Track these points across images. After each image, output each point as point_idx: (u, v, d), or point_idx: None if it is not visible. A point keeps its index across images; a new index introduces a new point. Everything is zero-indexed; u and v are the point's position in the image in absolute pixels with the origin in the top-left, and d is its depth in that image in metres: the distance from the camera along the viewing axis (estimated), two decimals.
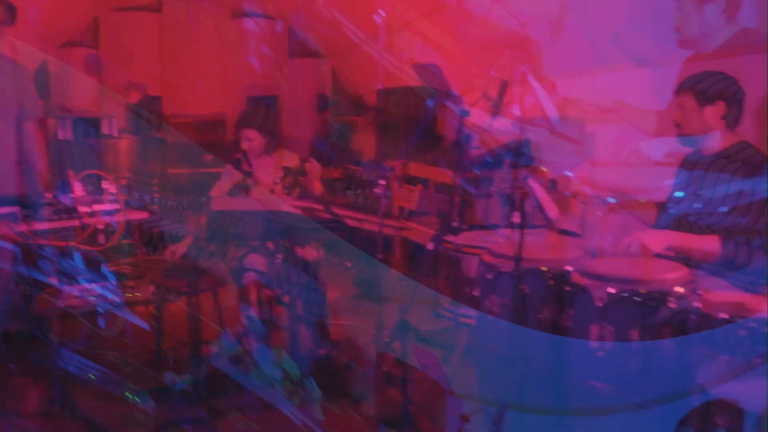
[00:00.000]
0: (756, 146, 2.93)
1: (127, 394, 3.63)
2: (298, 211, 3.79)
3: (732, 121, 2.98)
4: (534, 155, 4.89)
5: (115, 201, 3.66)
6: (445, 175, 5.22)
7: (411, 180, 5.78)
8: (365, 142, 6.39)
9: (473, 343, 3.46)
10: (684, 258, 2.88)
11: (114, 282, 3.78)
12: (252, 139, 4.28)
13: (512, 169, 2.78)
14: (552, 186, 4.35)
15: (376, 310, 4.09)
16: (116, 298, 3.83)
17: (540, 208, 2.69)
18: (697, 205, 2.93)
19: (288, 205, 3.81)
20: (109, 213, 3.64)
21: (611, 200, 3.11)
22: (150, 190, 6.24)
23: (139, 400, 3.59)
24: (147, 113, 6.23)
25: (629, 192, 3.19)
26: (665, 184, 3.09)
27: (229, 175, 4.34)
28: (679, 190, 3.12)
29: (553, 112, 3.42)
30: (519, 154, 4.84)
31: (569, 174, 3.51)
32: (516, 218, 2.63)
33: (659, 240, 2.93)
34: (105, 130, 6.10)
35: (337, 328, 4.66)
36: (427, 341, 4.44)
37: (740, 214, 2.79)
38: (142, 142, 6.16)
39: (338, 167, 5.92)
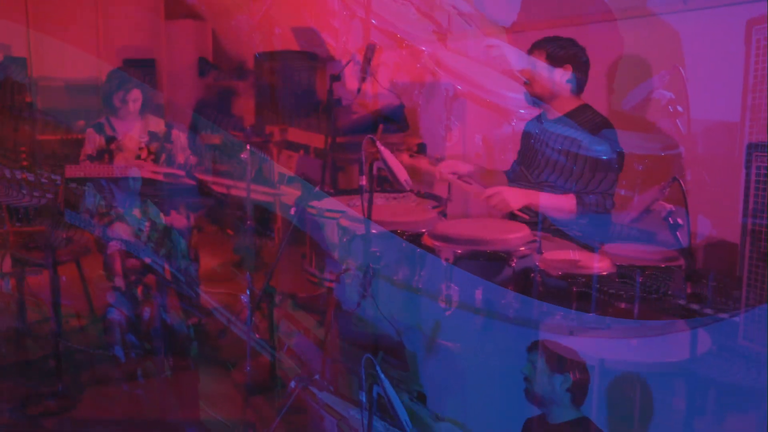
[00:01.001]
0: (596, 110, 3.05)
1: None
2: (159, 177, 3.69)
3: (577, 86, 3.08)
4: (408, 120, 4.96)
5: None
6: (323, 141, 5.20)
7: (292, 146, 5.73)
8: (246, 108, 6.27)
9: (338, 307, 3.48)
10: (536, 215, 2.97)
11: None
12: (137, 100, 4.18)
13: (362, 134, 2.78)
14: (420, 150, 4.42)
15: (254, 277, 4.06)
16: None
17: (389, 171, 2.71)
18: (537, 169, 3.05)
19: (148, 171, 3.71)
20: None
21: None
22: (18, 158, 5.93)
23: None
24: (11, 76, 5.88)
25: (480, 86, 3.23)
26: (513, 95, 3.14)
27: (93, 141, 4.19)
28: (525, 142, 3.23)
29: None
30: (393, 119, 4.89)
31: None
32: (363, 182, 2.65)
33: (519, 197, 2.99)
34: None
35: (211, 296, 4.60)
36: (302, 308, 4.47)
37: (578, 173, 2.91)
38: (8, 107, 5.82)
39: (218, 133, 5.80)
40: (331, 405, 3.01)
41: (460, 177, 3.23)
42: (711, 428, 2.46)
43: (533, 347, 2.45)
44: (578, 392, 2.36)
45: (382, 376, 2.28)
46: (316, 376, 3.21)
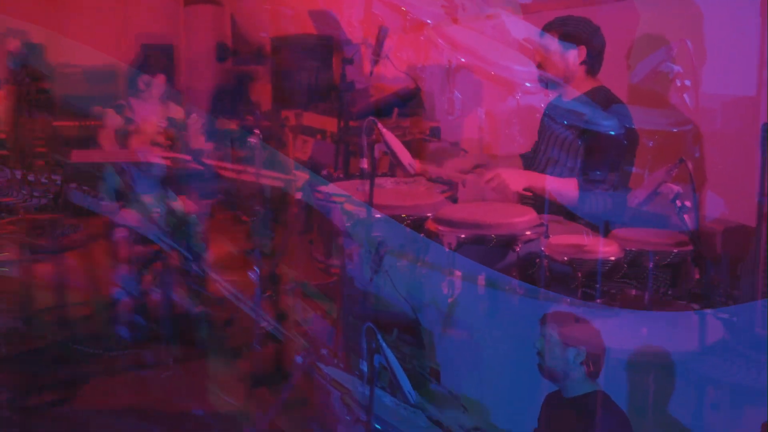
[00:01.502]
0: (612, 92, 2.94)
1: None
2: (167, 163, 3.67)
3: (591, 67, 2.98)
4: (424, 104, 4.87)
5: None
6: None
7: (308, 130, 5.68)
8: (264, 93, 6.22)
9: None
10: (540, 198, 2.89)
11: None
12: (160, 85, 4.24)
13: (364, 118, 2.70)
14: (433, 134, 4.34)
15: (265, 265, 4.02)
16: None
17: (392, 154, 2.64)
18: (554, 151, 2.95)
19: (155, 156, 3.69)
20: None
21: None
22: (34, 144, 5.96)
23: None
24: (28, 62, 5.89)
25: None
26: (517, 68, 3.04)
27: (113, 121, 4.20)
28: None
29: None
30: (408, 103, 4.80)
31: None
32: (365, 165, 2.58)
33: (519, 179, 2.92)
34: None
35: (222, 282, 4.57)
36: (315, 296, 4.42)
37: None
38: (24, 94, 5.84)
39: (236, 118, 5.76)
40: (338, 379, 2.95)
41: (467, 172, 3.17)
42: (719, 421, 2.36)
43: (545, 320, 2.36)
44: (592, 365, 2.27)
45: (384, 345, 2.22)
46: (324, 351, 3.15)
